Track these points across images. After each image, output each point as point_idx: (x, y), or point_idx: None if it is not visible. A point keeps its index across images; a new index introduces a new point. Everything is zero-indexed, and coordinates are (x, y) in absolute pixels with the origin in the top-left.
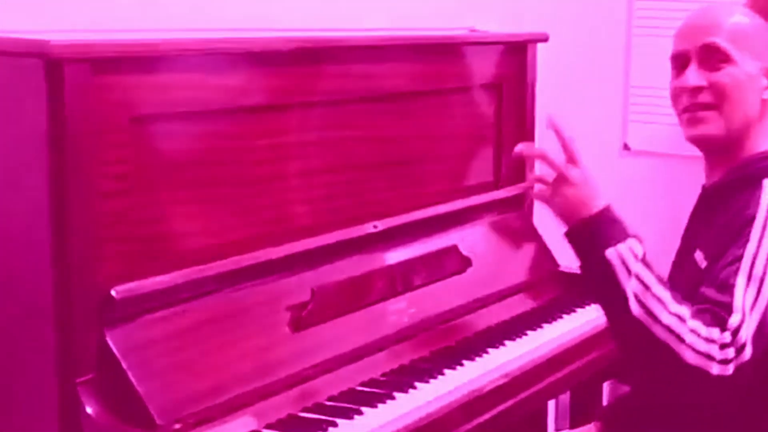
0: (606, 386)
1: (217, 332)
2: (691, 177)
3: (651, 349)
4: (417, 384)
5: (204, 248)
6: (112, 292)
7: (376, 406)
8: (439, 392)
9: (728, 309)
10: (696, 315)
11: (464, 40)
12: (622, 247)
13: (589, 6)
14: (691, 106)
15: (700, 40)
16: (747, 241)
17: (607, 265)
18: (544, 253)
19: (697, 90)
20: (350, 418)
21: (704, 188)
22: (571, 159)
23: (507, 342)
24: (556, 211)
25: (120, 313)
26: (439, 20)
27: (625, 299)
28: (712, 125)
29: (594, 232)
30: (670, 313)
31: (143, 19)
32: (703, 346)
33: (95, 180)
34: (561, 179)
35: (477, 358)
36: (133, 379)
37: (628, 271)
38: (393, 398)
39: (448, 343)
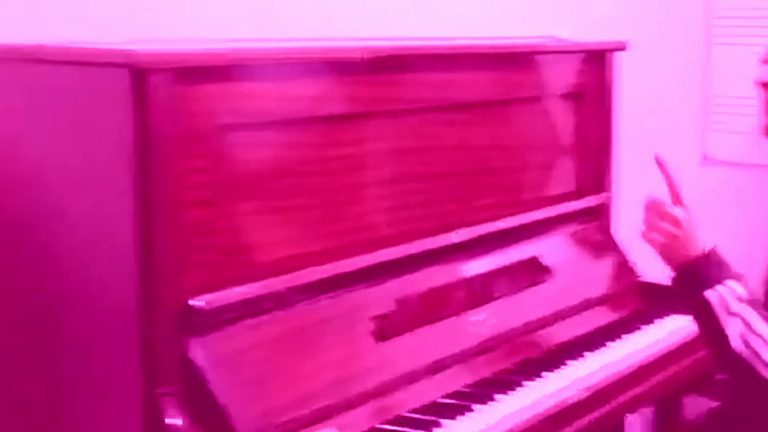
0: (688, 400)
1: (299, 343)
2: None
3: (756, 384)
4: (498, 396)
5: (286, 258)
6: (195, 303)
7: (455, 418)
8: (520, 405)
9: None
10: None
11: (543, 48)
12: (722, 289)
13: (667, 15)
14: None
15: None
16: None
17: (708, 306)
18: (624, 264)
19: None
20: (429, 430)
21: None
22: (677, 199)
23: (588, 354)
24: (659, 250)
25: (203, 324)
26: (519, 29)
27: (725, 338)
28: None
29: (697, 273)
30: None
31: (225, 29)
32: None
33: (180, 190)
34: (666, 218)
35: (558, 370)
36: (215, 391)
37: (729, 312)
38: (472, 410)
39: (529, 354)
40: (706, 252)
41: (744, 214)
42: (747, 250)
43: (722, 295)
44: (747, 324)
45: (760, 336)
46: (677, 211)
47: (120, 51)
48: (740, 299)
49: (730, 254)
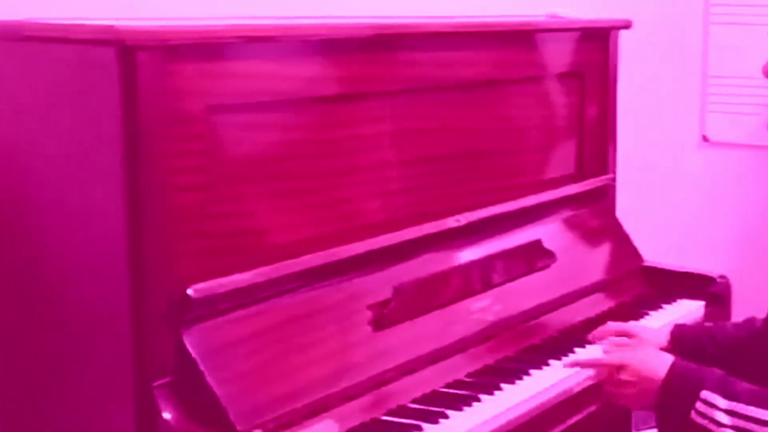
0: None
1: (297, 332)
2: None
3: None
4: (503, 385)
5: (282, 245)
6: (189, 291)
7: (461, 409)
8: (527, 394)
9: None
10: None
11: (545, 26)
12: (699, 407)
13: None
14: None
15: None
16: None
17: (699, 426)
18: (628, 248)
19: None
20: (435, 422)
21: None
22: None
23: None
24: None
25: (197, 313)
26: (518, 7)
27: None
28: None
29: (671, 407)
30: None
31: (216, 7)
32: None
33: (170, 173)
34: (616, 383)
35: (564, 358)
36: (211, 383)
37: (717, 423)
38: (479, 400)
39: (533, 341)
40: (660, 387)
41: (743, 195)
42: (746, 230)
43: (703, 412)
44: (739, 415)
45: (753, 418)
46: (623, 375)
47: (107, 27)
48: (718, 405)
49: (728, 234)
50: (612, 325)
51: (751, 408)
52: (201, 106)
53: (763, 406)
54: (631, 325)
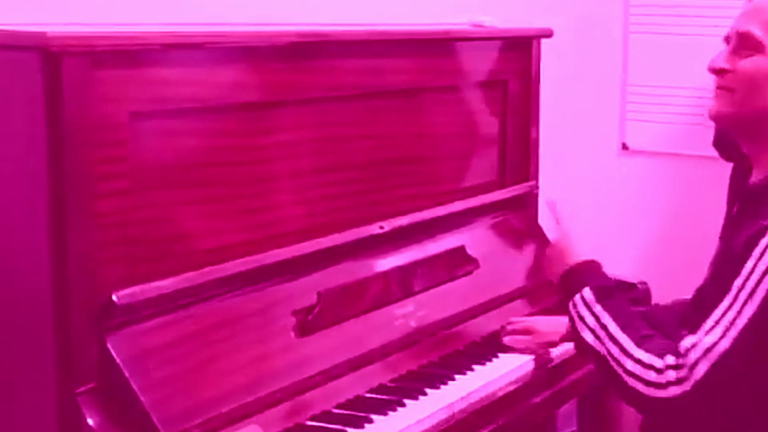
0: None
1: (221, 338)
2: (690, 176)
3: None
4: (427, 390)
5: (206, 251)
6: (113, 297)
7: (386, 414)
8: (450, 399)
9: (693, 330)
10: (642, 345)
11: (467, 35)
12: (577, 299)
13: (585, 3)
14: (716, 87)
15: (740, 26)
16: (750, 256)
17: (570, 316)
18: None
19: (721, 72)
20: (360, 426)
21: (748, 187)
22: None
23: None
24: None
25: (121, 319)
26: (442, 15)
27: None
28: (723, 103)
29: (563, 289)
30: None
31: (140, 14)
32: (641, 372)
33: (95, 179)
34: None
35: (487, 363)
36: (136, 389)
37: (581, 319)
38: (404, 405)
39: (456, 347)
40: (566, 270)
41: (661, 202)
42: (665, 237)
43: (576, 305)
44: (602, 326)
45: (614, 339)
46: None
47: (31, 33)
48: (590, 310)
49: (647, 239)
50: (516, 323)
51: (612, 323)
52: (125, 113)
53: (622, 324)
54: (530, 320)
